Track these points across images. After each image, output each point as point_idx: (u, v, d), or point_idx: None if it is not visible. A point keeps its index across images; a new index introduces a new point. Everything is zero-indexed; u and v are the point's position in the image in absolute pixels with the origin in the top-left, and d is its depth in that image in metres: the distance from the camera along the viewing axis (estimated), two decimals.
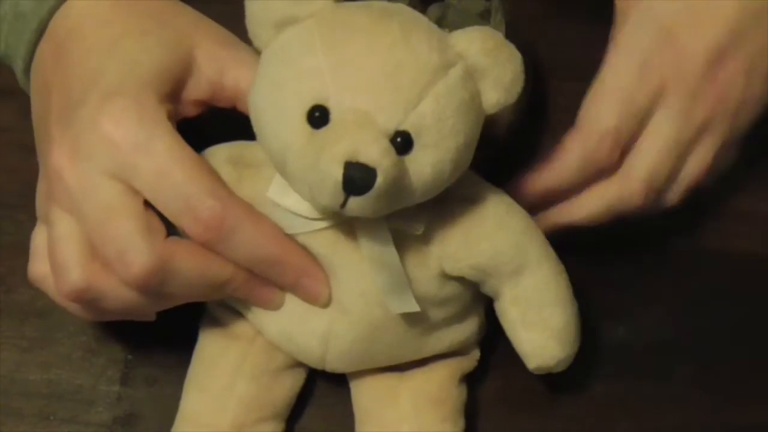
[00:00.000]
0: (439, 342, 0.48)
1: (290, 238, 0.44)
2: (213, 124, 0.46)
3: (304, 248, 0.44)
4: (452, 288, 0.46)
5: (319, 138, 0.40)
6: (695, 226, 0.56)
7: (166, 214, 0.42)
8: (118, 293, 0.43)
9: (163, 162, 0.41)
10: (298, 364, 0.49)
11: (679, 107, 0.49)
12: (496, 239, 0.45)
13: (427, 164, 0.41)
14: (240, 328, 0.48)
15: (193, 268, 0.43)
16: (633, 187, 0.49)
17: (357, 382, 0.50)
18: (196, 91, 0.45)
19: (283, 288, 0.45)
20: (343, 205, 0.39)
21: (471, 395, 0.51)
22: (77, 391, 0.51)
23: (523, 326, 0.47)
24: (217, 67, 0.45)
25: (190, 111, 0.46)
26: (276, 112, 0.41)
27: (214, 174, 0.43)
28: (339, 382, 0.50)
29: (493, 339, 0.51)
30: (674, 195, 0.51)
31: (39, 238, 0.45)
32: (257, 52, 0.44)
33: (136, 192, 0.42)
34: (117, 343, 0.52)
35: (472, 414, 0.51)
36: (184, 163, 0.42)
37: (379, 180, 0.39)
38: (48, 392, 0.51)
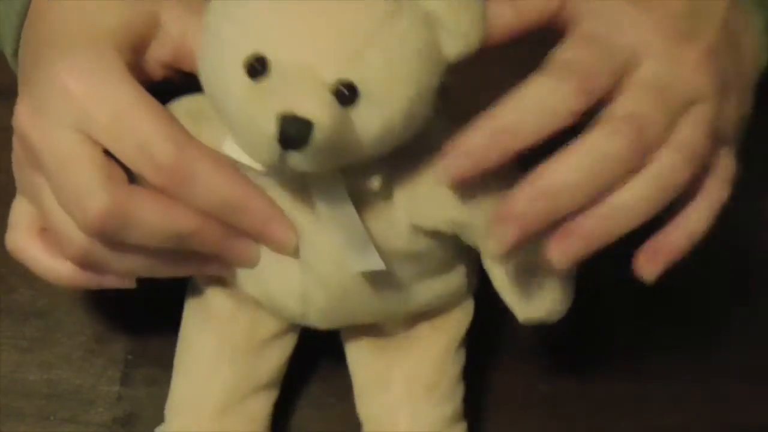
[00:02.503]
0: (423, 295, 0.46)
1: (252, 183, 0.43)
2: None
3: (265, 193, 0.43)
4: (426, 242, 0.44)
5: (256, 91, 0.38)
6: None
7: (124, 161, 0.42)
8: (120, 254, 0.43)
9: (119, 108, 0.41)
10: (285, 332, 0.48)
11: (664, 55, 0.43)
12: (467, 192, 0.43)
13: (375, 117, 0.39)
14: (219, 304, 0.48)
15: (154, 215, 0.42)
16: (615, 126, 0.41)
17: (353, 358, 0.49)
18: (160, 51, 0.45)
19: (250, 234, 0.44)
20: (283, 160, 0.38)
21: (471, 395, 0.51)
22: (77, 391, 0.51)
23: (511, 279, 0.44)
24: (181, 29, 0.45)
25: (155, 71, 0.45)
26: (217, 63, 0.40)
27: (172, 119, 0.42)
28: (338, 381, 0.50)
29: (493, 339, 0.52)
30: (676, 163, 0.43)
31: (18, 209, 0.45)
32: None
33: (95, 142, 0.41)
34: (117, 343, 0.52)
35: (472, 414, 0.51)
36: (141, 108, 0.41)
37: (317, 134, 0.37)
38: (48, 392, 0.51)
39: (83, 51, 0.42)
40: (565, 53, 0.42)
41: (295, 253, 0.44)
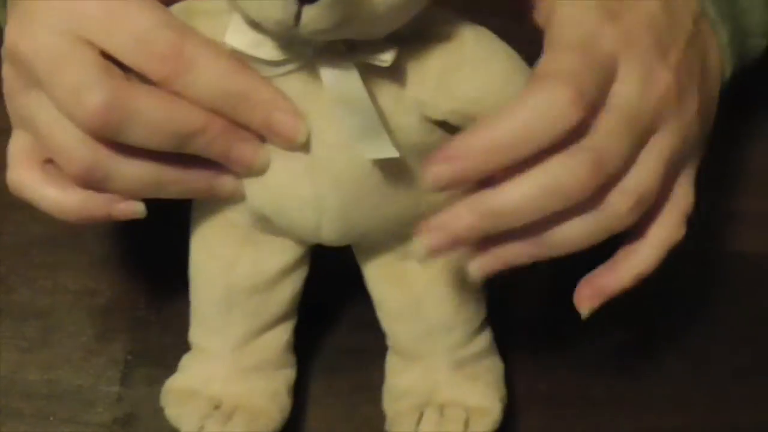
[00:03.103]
0: (433, 195, 0.44)
1: (254, 70, 0.42)
2: None
3: (269, 81, 0.42)
4: (435, 136, 0.44)
5: None
6: (695, 227, 0.56)
7: (121, 57, 0.40)
8: (125, 167, 0.41)
9: (112, 2, 0.40)
10: (293, 267, 0.48)
11: (637, 73, 0.42)
12: (477, 81, 0.43)
13: None
14: (222, 246, 0.47)
15: (156, 109, 0.40)
16: (577, 158, 0.40)
17: (378, 291, 0.49)
18: None
19: (257, 128, 0.42)
20: (297, 18, 0.37)
21: None
22: (77, 391, 0.51)
23: None
24: None
25: None
26: None
27: (167, 10, 0.41)
28: (338, 381, 0.50)
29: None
30: (625, 207, 0.42)
31: (15, 145, 0.44)
32: None
33: (90, 42, 0.40)
34: (117, 343, 0.52)
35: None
36: (135, 1, 0.40)
37: None
38: (48, 392, 0.51)
39: None
40: (554, 64, 0.42)
41: (305, 146, 0.42)
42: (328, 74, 0.41)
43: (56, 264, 0.52)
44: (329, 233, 0.45)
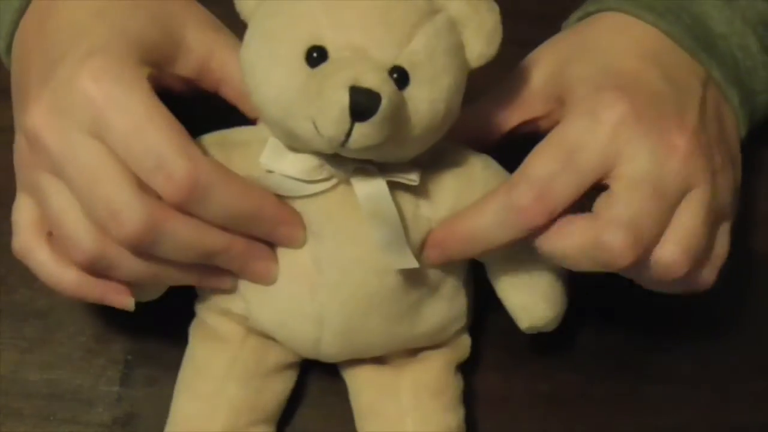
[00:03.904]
0: (430, 320, 0.48)
1: (262, 189, 0.44)
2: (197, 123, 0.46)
3: (273, 196, 0.44)
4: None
5: (320, 73, 0.41)
6: None
7: (138, 173, 0.42)
8: (129, 262, 0.43)
9: (137, 119, 0.41)
10: (289, 366, 0.49)
11: (651, 149, 0.44)
12: None
13: (424, 100, 0.42)
14: (229, 330, 0.48)
15: (189, 231, 0.43)
16: (611, 230, 0.43)
17: (354, 378, 0.49)
18: (184, 68, 0.46)
19: (264, 238, 0.45)
20: (348, 135, 0.40)
21: (471, 395, 0.51)
22: (77, 392, 0.51)
23: (513, 288, 0.48)
24: (206, 48, 0.46)
25: (175, 85, 0.46)
26: (272, 60, 0.42)
27: (187, 135, 0.43)
28: (338, 381, 0.50)
29: (492, 340, 0.52)
30: (676, 257, 0.44)
31: (23, 210, 0.45)
32: (240, 40, 0.44)
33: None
34: (117, 343, 0.52)
35: (472, 414, 0.51)
36: (159, 122, 0.42)
37: (384, 102, 0.39)
38: (48, 392, 0.51)
39: (107, 58, 0.42)
40: (531, 167, 0.44)
41: (316, 267, 0.45)
42: (363, 190, 0.44)
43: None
44: (327, 348, 0.47)
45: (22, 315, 0.52)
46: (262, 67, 0.42)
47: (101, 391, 0.51)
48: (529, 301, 0.48)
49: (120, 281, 0.45)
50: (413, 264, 0.44)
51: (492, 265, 0.48)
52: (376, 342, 0.47)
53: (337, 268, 0.45)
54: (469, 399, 0.50)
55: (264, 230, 0.44)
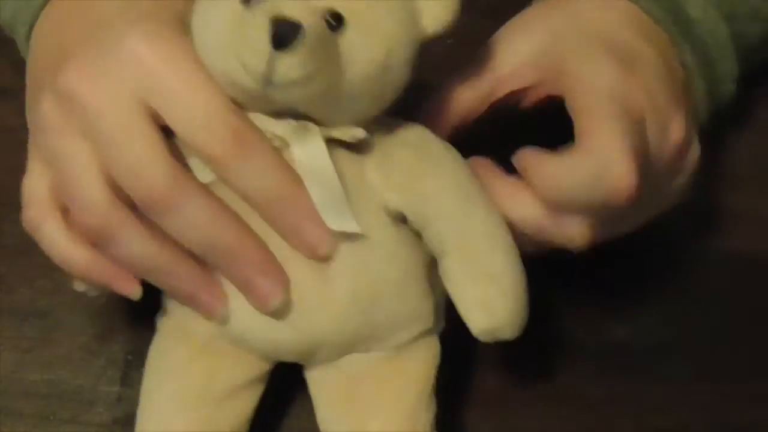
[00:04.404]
0: (389, 310, 0.45)
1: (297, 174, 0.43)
2: None
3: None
4: (393, 230, 0.44)
5: (249, 11, 0.40)
6: (695, 226, 0.56)
7: (181, 131, 0.41)
8: (137, 240, 0.42)
9: (187, 78, 0.41)
10: (248, 384, 0.46)
11: (654, 129, 0.45)
12: (439, 179, 0.44)
13: (360, 47, 0.41)
14: (176, 350, 0.46)
15: (207, 209, 0.42)
16: (612, 156, 0.42)
17: (325, 417, 0.47)
18: None
19: (284, 229, 0.43)
20: (272, 67, 0.39)
21: (470, 396, 0.51)
22: (77, 392, 0.51)
23: (470, 281, 0.44)
24: None
25: None
26: (212, 6, 0.41)
27: (230, 100, 0.42)
28: None
29: None
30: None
31: (37, 180, 0.44)
32: None
33: (156, 115, 0.41)
34: (117, 343, 0.52)
35: (472, 415, 0.51)
36: (208, 84, 0.41)
37: (307, 33, 0.38)
38: (48, 392, 0.51)
39: (157, 23, 0.42)
40: (601, 137, 0.43)
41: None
42: (299, 147, 0.42)
43: (56, 264, 0.52)
44: (285, 337, 0.45)
45: (22, 315, 0.52)
46: (204, 16, 0.41)
47: (101, 391, 0.51)
48: (490, 294, 0.44)
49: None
50: (354, 228, 0.42)
51: (446, 256, 0.44)
52: (335, 333, 0.45)
53: (320, 284, 0.44)
54: (468, 399, 0.50)
55: (289, 219, 0.42)
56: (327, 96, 0.41)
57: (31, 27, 0.47)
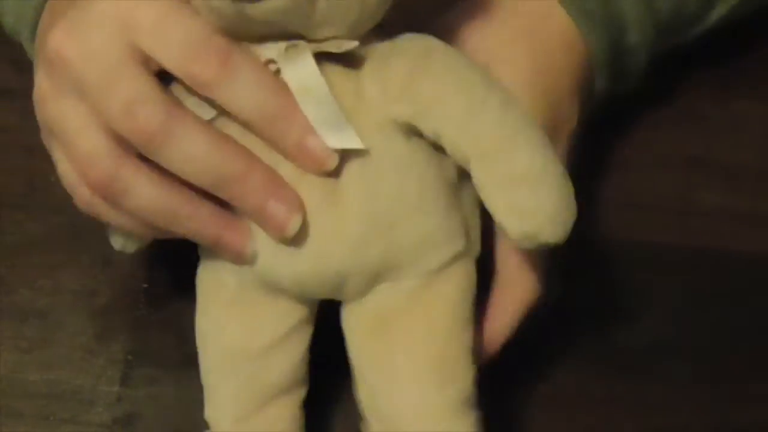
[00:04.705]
0: (412, 232, 0.43)
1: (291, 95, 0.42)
2: None
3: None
4: (404, 142, 0.42)
5: None
6: (695, 227, 0.56)
7: (171, 63, 0.41)
8: (145, 187, 0.41)
9: (165, 11, 0.40)
10: (290, 333, 0.45)
11: None
12: (439, 82, 0.41)
13: None
14: (217, 299, 0.45)
15: (202, 142, 0.41)
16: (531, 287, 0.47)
17: (352, 341, 0.45)
18: None
19: (289, 148, 0.42)
20: None
21: None
22: (77, 392, 0.51)
23: (493, 186, 0.41)
24: None
25: None
26: None
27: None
28: (338, 381, 0.50)
29: None
30: None
31: (67, 168, 0.43)
32: None
33: (143, 54, 0.41)
34: (117, 343, 0.52)
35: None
36: (186, 10, 0.41)
37: None
38: (48, 392, 0.51)
39: None
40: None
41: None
42: (288, 67, 0.41)
43: (56, 264, 0.52)
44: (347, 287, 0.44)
45: (22, 315, 0.52)
46: None
47: (101, 391, 0.51)
48: (520, 197, 0.40)
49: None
50: (356, 143, 0.41)
51: (468, 165, 0.41)
52: (359, 255, 0.43)
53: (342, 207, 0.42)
54: None
55: (293, 137, 0.41)
56: (308, 9, 0.40)
57: (34, 28, 0.47)
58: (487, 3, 0.48)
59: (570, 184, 0.41)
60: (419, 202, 0.42)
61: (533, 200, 0.40)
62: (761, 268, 0.55)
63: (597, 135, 0.52)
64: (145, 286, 0.53)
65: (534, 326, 0.50)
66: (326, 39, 0.41)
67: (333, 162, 0.41)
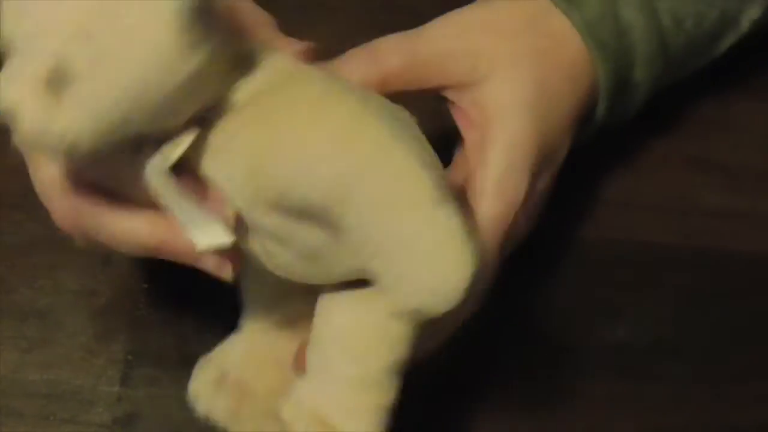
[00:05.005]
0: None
1: None
2: None
3: None
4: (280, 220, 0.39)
5: None
6: (695, 227, 0.56)
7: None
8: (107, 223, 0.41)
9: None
10: None
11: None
12: (297, 160, 0.37)
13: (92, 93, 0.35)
14: None
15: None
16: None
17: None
18: None
19: None
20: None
21: (470, 396, 0.51)
22: (77, 392, 0.51)
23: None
24: None
25: None
26: None
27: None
28: None
29: (492, 339, 0.51)
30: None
31: (43, 174, 0.43)
32: None
33: None
34: (117, 343, 0.52)
35: (471, 414, 0.51)
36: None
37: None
38: (48, 392, 0.51)
39: None
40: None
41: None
42: (150, 180, 0.38)
43: (56, 264, 0.52)
44: None
45: (22, 315, 0.52)
46: None
47: (101, 391, 0.51)
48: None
49: None
50: (223, 239, 0.38)
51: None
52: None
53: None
54: (468, 399, 0.50)
55: None
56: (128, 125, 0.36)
57: None
58: (508, 10, 0.48)
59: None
60: None
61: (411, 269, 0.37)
62: (761, 268, 0.55)
63: (597, 135, 0.52)
64: (145, 286, 0.52)
65: (533, 326, 0.50)
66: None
67: (227, 272, 0.40)
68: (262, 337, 0.46)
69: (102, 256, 0.53)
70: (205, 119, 0.38)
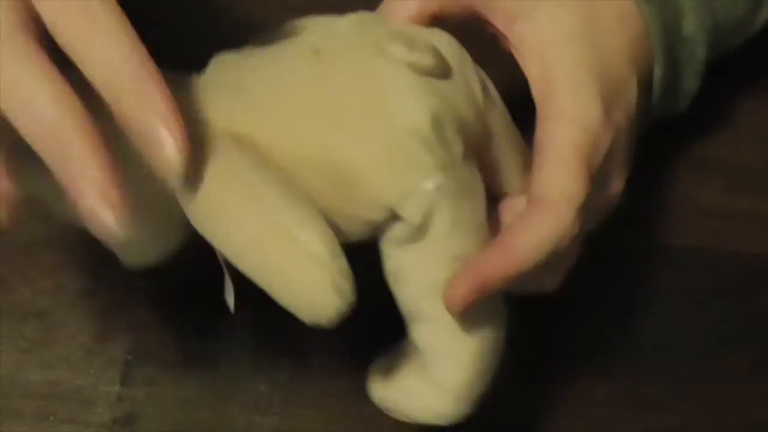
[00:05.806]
0: None
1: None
2: None
3: None
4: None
5: None
6: (696, 227, 0.56)
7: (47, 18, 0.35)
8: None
9: None
10: None
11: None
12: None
13: None
14: None
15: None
16: (566, 217, 0.43)
17: None
18: None
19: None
20: None
21: None
22: (77, 392, 0.51)
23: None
24: None
25: None
26: None
27: None
28: (338, 381, 0.50)
29: None
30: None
31: None
32: None
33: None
34: (117, 343, 0.52)
35: (470, 415, 0.51)
36: None
37: None
38: (48, 392, 0.51)
39: None
40: (554, 188, 0.43)
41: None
42: None
43: (56, 264, 0.52)
44: None
45: (22, 315, 0.52)
46: None
47: (101, 391, 0.51)
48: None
49: None
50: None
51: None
52: None
53: None
54: None
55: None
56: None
57: None
58: None
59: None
60: None
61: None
62: (761, 268, 0.55)
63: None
64: (145, 286, 0.53)
65: (533, 326, 0.50)
66: None
67: (177, 167, 0.37)
68: None
69: (102, 256, 0.53)
70: None
